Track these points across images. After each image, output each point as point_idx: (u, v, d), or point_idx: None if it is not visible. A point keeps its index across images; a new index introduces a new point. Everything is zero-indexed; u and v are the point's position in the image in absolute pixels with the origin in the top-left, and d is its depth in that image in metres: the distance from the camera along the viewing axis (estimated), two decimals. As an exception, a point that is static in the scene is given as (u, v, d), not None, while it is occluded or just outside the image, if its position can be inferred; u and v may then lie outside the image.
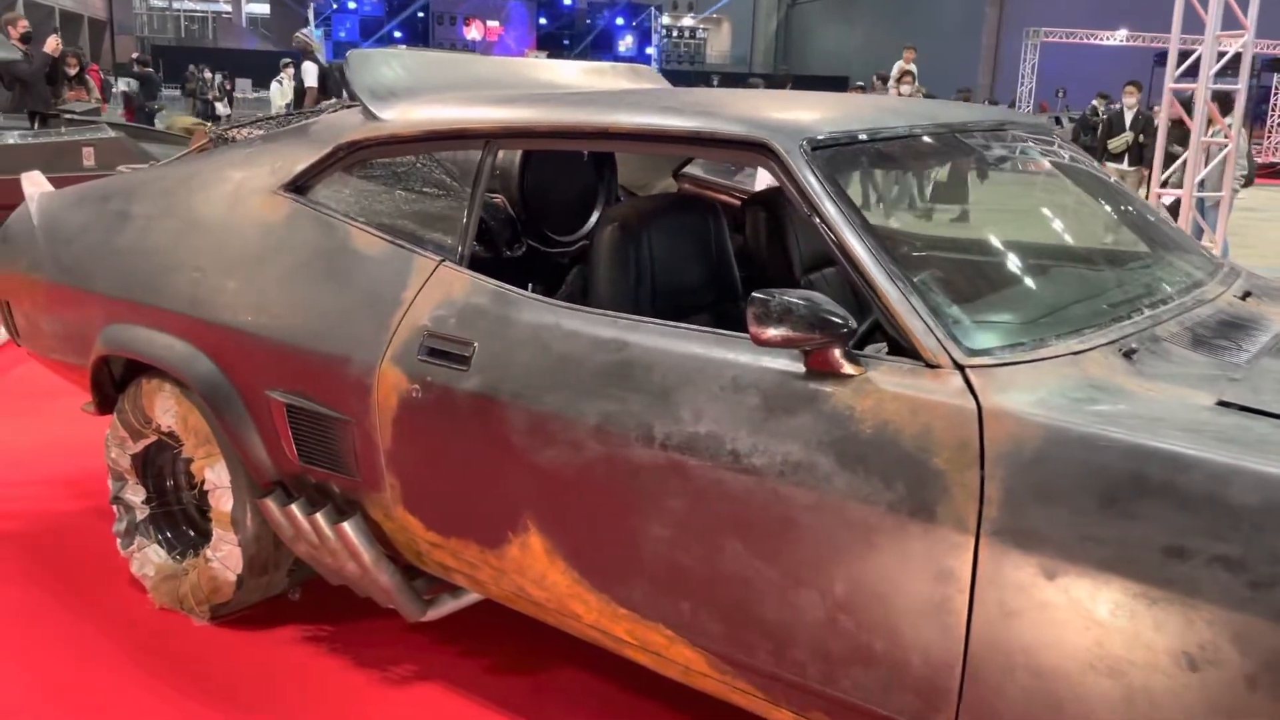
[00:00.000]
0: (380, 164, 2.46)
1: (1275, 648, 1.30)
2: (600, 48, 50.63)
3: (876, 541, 1.60)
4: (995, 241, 2.06)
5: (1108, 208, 2.44)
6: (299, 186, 2.52)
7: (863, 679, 1.66)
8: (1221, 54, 7.21)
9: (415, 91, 2.56)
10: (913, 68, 10.42)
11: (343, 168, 2.49)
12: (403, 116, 2.40)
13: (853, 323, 1.64)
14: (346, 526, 2.33)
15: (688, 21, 50.85)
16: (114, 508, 2.92)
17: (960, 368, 1.61)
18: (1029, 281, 1.97)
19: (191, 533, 2.90)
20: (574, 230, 3.14)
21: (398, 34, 45.50)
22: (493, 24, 50.75)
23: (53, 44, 7.79)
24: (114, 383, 2.90)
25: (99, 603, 2.85)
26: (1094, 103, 13.81)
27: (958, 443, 1.54)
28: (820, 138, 1.91)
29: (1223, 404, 1.55)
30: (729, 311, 2.53)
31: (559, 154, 3.04)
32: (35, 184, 3.18)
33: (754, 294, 1.65)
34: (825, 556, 1.66)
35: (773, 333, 1.64)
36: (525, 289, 2.14)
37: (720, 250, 2.53)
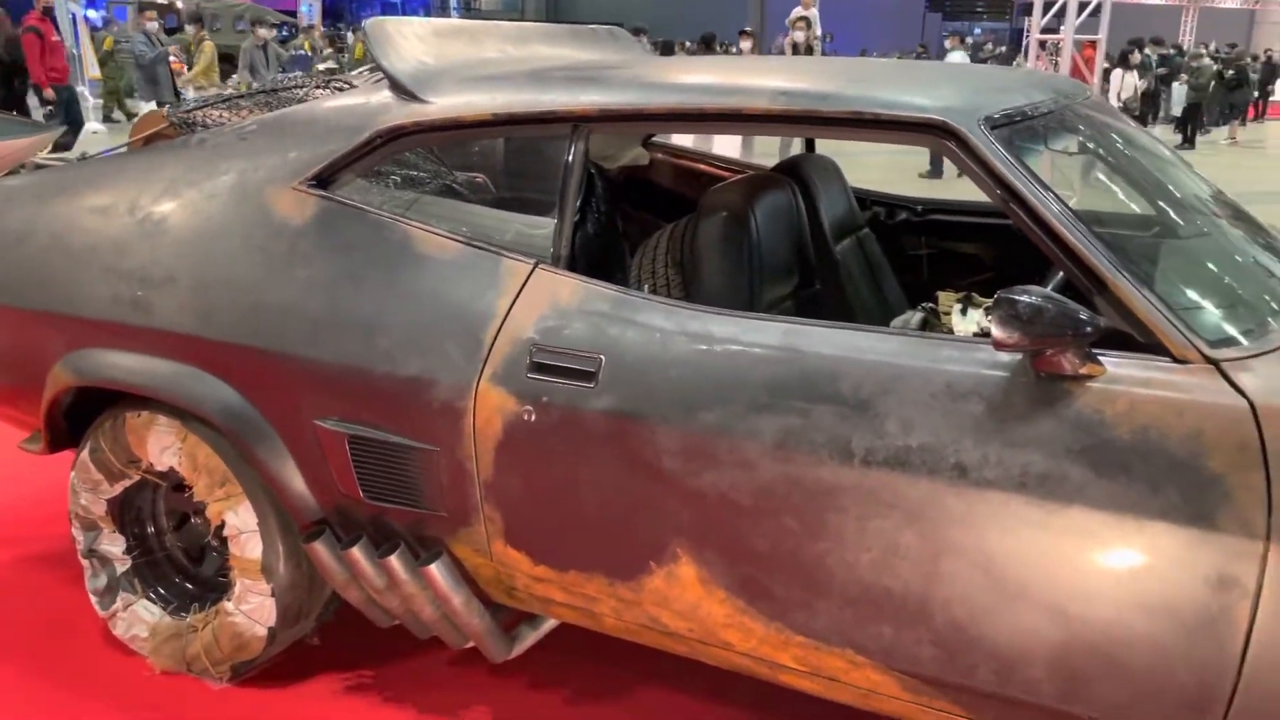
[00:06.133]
0: (429, 154, 2.15)
1: None
2: (370, 3, 48.17)
3: (1140, 552, 1.53)
4: (1160, 220, 2.01)
5: (1172, 177, 2.38)
6: (325, 180, 2.17)
7: (1110, 694, 1.60)
8: None
9: (448, 69, 2.25)
10: (809, 14, 10.28)
11: (380, 159, 2.16)
12: (457, 98, 2.10)
13: (1101, 322, 1.54)
14: (434, 569, 2.06)
15: (456, -33, 49.22)
16: (85, 562, 2.48)
17: (1213, 362, 1.55)
18: (1206, 260, 1.94)
19: (187, 584, 2.51)
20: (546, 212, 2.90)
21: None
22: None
23: None
24: (68, 416, 2.45)
25: (87, 676, 2.42)
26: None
27: (1235, 444, 1.48)
28: (994, 115, 1.80)
29: None
30: (809, 297, 2.39)
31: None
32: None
33: (1000, 295, 1.53)
34: (1075, 570, 1.57)
35: (1020, 336, 1.53)
36: None
37: (800, 232, 2.38)
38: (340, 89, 2.43)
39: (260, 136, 2.28)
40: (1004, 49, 24.69)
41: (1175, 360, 1.57)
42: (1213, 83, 16.56)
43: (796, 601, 1.79)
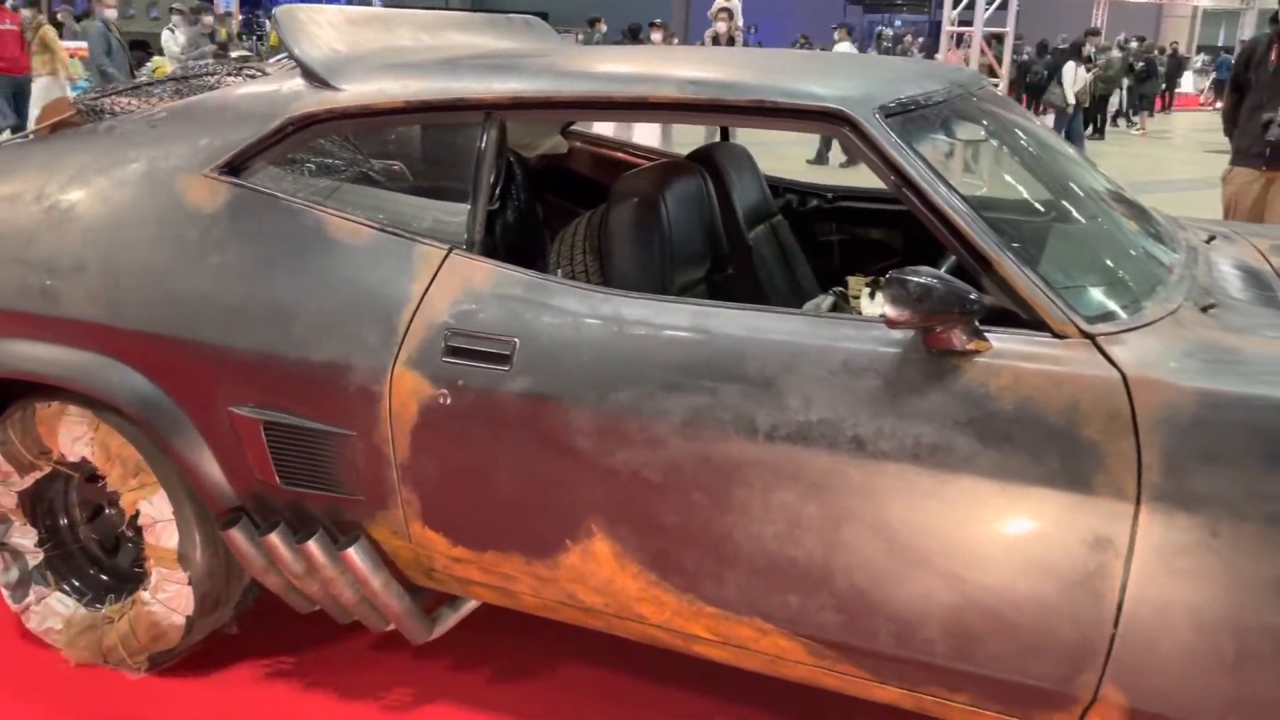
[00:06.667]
0: (345, 141, 2.16)
1: None
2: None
3: (1024, 517, 1.62)
4: (1043, 204, 2.11)
5: (1058, 163, 2.48)
6: (237, 168, 2.17)
7: (1000, 651, 1.70)
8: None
9: (360, 56, 2.26)
10: (731, 5, 10.35)
11: (293, 146, 2.16)
12: (369, 86, 2.12)
13: (986, 300, 1.63)
14: (353, 552, 2.08)
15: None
16: (-4, 556, 2.45)
17: (1089, 337, 1.65)
18: (1088, 242, 2.04)
19: (102, 576, 2.49)
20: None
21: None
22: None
23: None
24: None
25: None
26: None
27: (1108, 414, 1.58)
28: (889, 104, 1.88)
29: None
30: (721, 281, 2.46)
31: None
32: None
33: (892, 275, 1.61)
34: (966, 536, 1.66)
35: (911, 314, 1.61)
36: None
37: (713, 217, 2.45)
38: (252, 76, 2.42)
39: (171, 124, 2.27)
40: (924, 39, 25.11)
41: (1055, 335, 1.67)
42: (1123, 76, 17.10)
43: (707, 573, 1.86)
